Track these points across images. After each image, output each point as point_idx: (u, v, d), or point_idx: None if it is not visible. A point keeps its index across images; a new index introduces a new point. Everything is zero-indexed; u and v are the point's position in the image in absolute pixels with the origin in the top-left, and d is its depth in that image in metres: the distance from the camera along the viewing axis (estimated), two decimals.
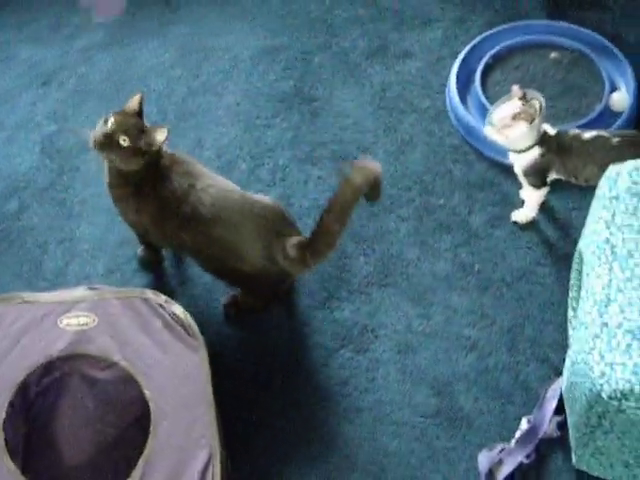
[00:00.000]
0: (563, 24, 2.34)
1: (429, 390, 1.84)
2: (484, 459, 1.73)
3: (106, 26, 2.59)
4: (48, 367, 1.74)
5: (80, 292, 1.73)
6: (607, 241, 1.52)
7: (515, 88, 1.88)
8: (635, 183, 1.57)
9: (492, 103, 2.16)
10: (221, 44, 2.49)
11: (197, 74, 2.43)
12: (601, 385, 1.40)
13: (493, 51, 2.28)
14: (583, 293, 1.56)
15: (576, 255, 1.80)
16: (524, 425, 1.75)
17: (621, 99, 2.16)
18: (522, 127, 1.84)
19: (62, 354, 1.64)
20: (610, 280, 1.48)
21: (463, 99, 2.23)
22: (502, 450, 1.73)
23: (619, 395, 1.38)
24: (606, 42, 2.27)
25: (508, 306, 1.93)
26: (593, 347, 1.43)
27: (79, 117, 2.38)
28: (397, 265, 2.01)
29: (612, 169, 1.65)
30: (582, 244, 1.69)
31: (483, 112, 2.17)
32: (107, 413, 1.79)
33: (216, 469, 1.54)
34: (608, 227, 1.54)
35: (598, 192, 1.66)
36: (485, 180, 2.12)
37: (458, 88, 2.23)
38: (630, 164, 1.62)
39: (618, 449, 1.53)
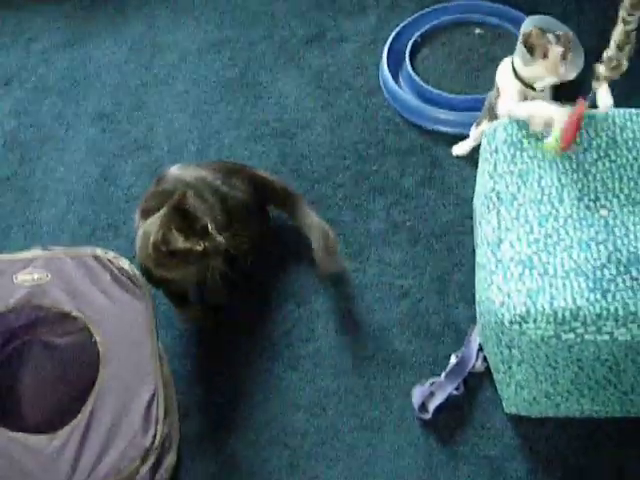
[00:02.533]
0: (486, 3, 2.51)
1: (366, 336, 1.96)
2: (417, 393, 1.85)
3: (63, 29, 2.75)
4: (9, 337, 1.87)
5: (35, 252, 1.86)
6: (492, 189, 1.66)
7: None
8: (509, 135, 1.71)
9: (422, 78, 2.34)
10: (170, 40, 2.66)
11: (148, 68, 2.59)
12: (502, 314, 1.52)
13: (421, 30, 2.45)
14: (478, 241, 1.69)
15: (474, 212, 1.94)
16: (453, 361, 1.88)
17: None
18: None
19: (17, 306, 1.77)
20: (499, 222, 1.61)
21: (395, 76, 2.39)
22: (433, 383, 1.85)
23: (518, 319, 1.50)
24: (525, 17, 2.43)
25: (438, 256, 2.06)
26: (491, 282, 1.56)
27: (39, 112, 2.53)
28: (334, 227, 2.13)
29: (490, 126, 1.79)
30: (475, 200, 1.83)
31: (413, 86, 2.34)
32: (66, 375, 1.90)
33: (160, 402, 1.67)
34: (492, 177, 1.68)
35: (481, 151, 1.80)
36: (415, 146, 2.27)
37: (390, 65, 2.39)
38: (505, 119, 1.77)
39: (535, 379, 1.65)
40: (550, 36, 1.74)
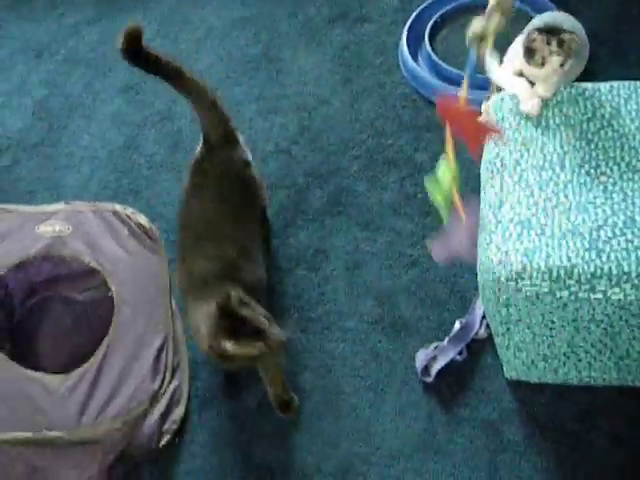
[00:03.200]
0: None
1: (373, 301, 2.02)
2: (420, 356, 1.90)
3: (94, 3, 2.84)
4: (30, 292, 1.95)
5: (58, 205, 1.94)
6: (497, 156, 1.71)
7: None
8: (516, 104, 1.75)
9: (440, 57, 2.39)
10: (197, 16, 2.73)
11: (175, 43, 2.67)
12: (500, 271, 1.57)
13: (441, 11, 2.50)
14: (482, 205, 1.73)
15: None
16: (457, 326, 1.92)
17: None
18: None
19: (38, 255, 1.85)
20: (501, 186, 1.66)
21: (414, 56, 2.44)
22: (436, 347, 1.90)
23: (515, 276, 1.55)
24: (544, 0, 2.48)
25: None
26: (490, 242, 1.61)
27: (68, 83, 2.62)
28: (348, 197, 2.20)
29: (496, 96, 1.84)
30: (481, 167, 1.86)
31: (432, 65, 2.39)
32: (83, 326, 1.98)
33: (170, 351, 1.74)
34: (497, 145, 1.72)
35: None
36: (431, 123, 2.31)
37: (409, 45, 2.45)
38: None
39: (532, 340, 1.69)
40: (554, 44, 1.69)
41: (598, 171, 1.58)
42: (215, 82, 2.51)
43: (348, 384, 1.90)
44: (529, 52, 1.71)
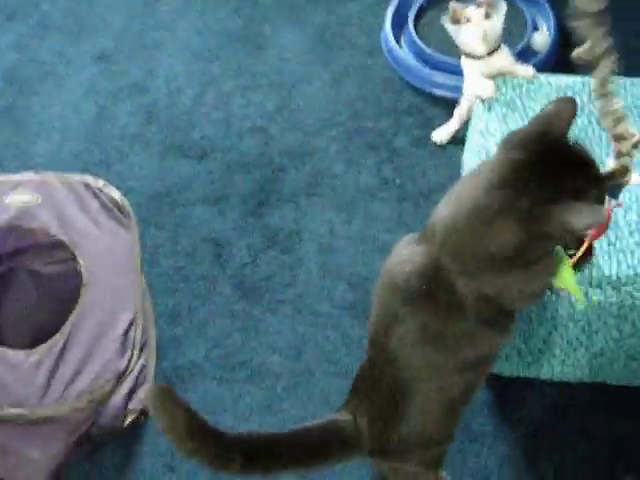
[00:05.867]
0: None
1: (346, 286, 1.99)
2: None
3: None
4: None
5: (27, 175, 1.88)
6: (483, 147, 1.68)
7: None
8: (503, 94, 1.74)
9: (424, 42, 2.35)
10: None
11: (153, 12, 2.60)
12: None
13: None
14: None
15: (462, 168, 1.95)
16: None
17: (542, 39, 2.33)
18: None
19: (5, 226, 1.78)
20: None
21: (398, 38, 2.40)
22: None
23: None
24: None
25: (424, 215, 2.03)
26: None
27: (40, 49, 2.54)
28: (325, 178, 2.17)
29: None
30: (465, 156, 1.85)
31: (415, 49, 2.36)
32: (49, 301, 1.92)
33: (138, 329, 1.69)
34: (483, 135, 1.70)
35: (474, 108, 1.82)
36: (411, 107, 2.29)
37: (393, 28, 2.41)
38: (499, 79, 1.80)
39: None
40: (471, 6, 1.82)
41: None
42: (192, 55, 2.47)
43: (318, 369, 1.88)
44: (455, 22, 1.83)
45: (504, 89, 1.71)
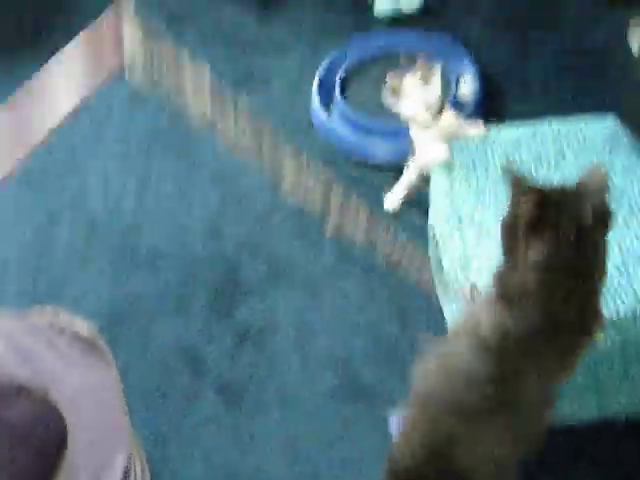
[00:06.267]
0: (406, 31, 2.57)
1: (332, 372, 1.93)
2: (395, 420, 1.81)
3: None
4: None
5: None
6: (453, 211, 1.67)
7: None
8: (461, 155, 1.73)
9: (355, 111, 2.35)
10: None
11: (77, 125, 2.53)
12: None
13: (347, 64, 2.47)
14: (444, 261, 1.68)
15: (429, 232, 1.95)
16: None
17: (468, 88, 2.36)
18: None
19: None
20: (464, 241, 1.62)
21: (327, 112, 2.40)
22: None
23: None
24: (447, 41, 2.50)
25: (394, 284, 2.05)
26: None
27: None
28: (285, 264, 2.12)
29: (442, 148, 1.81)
30: (432, 219, 1.83)
31: (346, 119, 2.36)
32: (20, 453, 1.79)
33: (137, 467, 1.59)
34: (449, 199, 1.69)
35: (435, 171, 1.82)
36: (356, 179, 2.26)
37: (321, 102, 2.40)
38: (456, 144, 1.79)
39: None
40: (408, 74, 1.85)
41: None
42: (123, 162, 2.41)
43: (322, 463, 1.80)
44: (394, 95, 1.86)
45: (460, 151, 1.71)
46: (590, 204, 1.21)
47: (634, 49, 2.47)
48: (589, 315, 1.29)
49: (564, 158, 1.64)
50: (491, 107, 2.38)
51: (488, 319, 1.26)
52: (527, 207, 1.21)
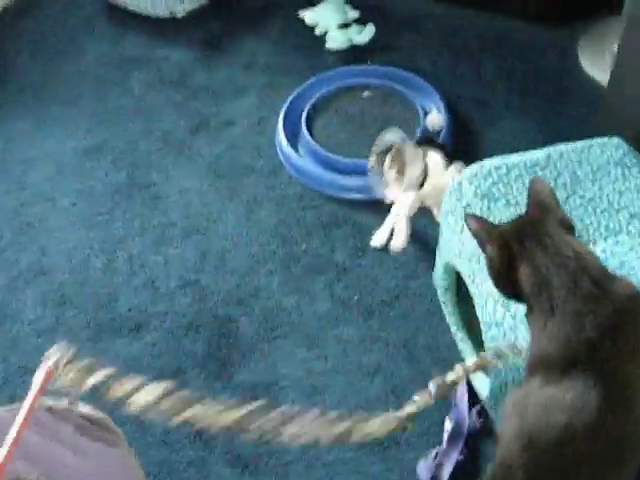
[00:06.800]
0: (367, 66, 2.53)
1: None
2: (423, 469, 1.75)
3: None
4: None
5: None
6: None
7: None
8: (477, 187, 1.67)
9: (323, 147, 2.29)
10: (41, 152, 2.44)
11: (23, 186, 2.35)
12: None
13: (311, 101, 2.40)
14: (477, 298, 1.62)
15: (440, 272, 1.88)
16: (448, 425, 1.80)
17: (436, 119, 2.34)
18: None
19: None
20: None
21: (295, 150, 2.33)
22: (437, 454, 1.76)
23: None
24: (408, 74, 2.47)
25: (396, 324, 1.99)
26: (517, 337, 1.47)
27: None
28: (280, 316, 2.01)
29: (452, 182, 1.75)
30: (451, 258, 1.76)
31: (316, 157, 2.29)
32: None
33: None
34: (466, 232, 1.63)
35: (446, 207, 1.75)
36: (337, 218, 2.19)
37: (287, 141, 2.33)
38: (466, 171, 1.73)
39: None
40: (387, 160, 1.90)
41: (582, 240, 1.54)
42: (85, 222, 2.25)
43: None
44: (375, 170, 1.96)
45: (477, 182, 1.65)
46: (552, 218, 1.25)
47: (587, 70, 2.52)
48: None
49: (580, 182, 1.62)
50: (461, 135, 2.37)
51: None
52: (496, 253, 1.25)
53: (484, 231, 1.28)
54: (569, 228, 1.27)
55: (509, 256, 1.24)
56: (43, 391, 1.18)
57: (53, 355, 1.24)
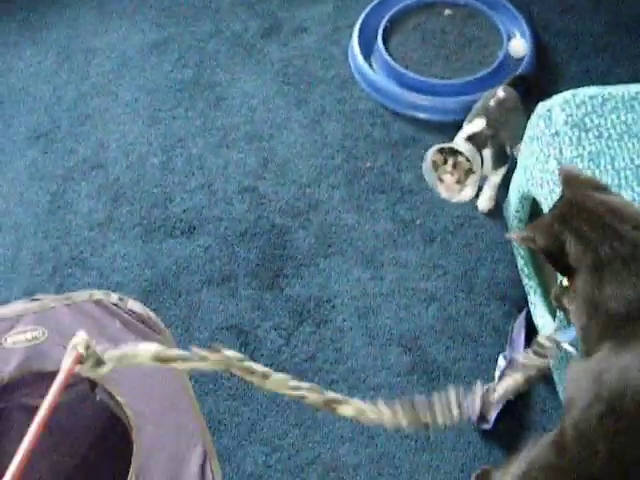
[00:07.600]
0: None
1: (399, 348, 1.78)
2: (472, 403, 1.69)
3: None
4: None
5: (21, 305, 1.54)
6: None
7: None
8: (569, 115, 1.56)
9: (398, 64, 2.18)
10: (104, 43, 2.36)
11: (85, 76, 2.29)
12: None
13: (389, 15, 2.28)
14: None
15: (516, 202, 1.79)
16: (501, 362, 1.73)
17: (519, 45, 2.21)
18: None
19: (15, 376, 1.45)
20: None
21: (368, 64, 2.21)
22: (487, 390, 1.69)
23: None
24: None
25: (457, 253, 1.91)
26: None
27: None
28: (338, 232, 1.95)
29: (541, 107, 1.64)
30: (529, 187, 1.67)
31: (390, 73, 2.18)
32: (61, 441, 1.61)
33: (214, 464, 1.42)
34: (560, 162, 1.52)
35: (531, 133, 1.64)
36: (406, 137, 2.10)
37: (362, 54, 2.21)
38: (558, 98, 1.61)
39: None
40: (449, 164, 1.84)
41: None
42: (146, 117, 2.19)
43: (397, 448, 1.66)
44: (433, 165, 1.88)
45: (569, 110, 1.53)
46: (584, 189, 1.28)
47: None
48: None
49: None
50: (544, 63, 2.23)
51: None
52: (544, 242, 1.27)
53: (528, 238, 1.31)
54: (604, 189, 1.29)
55: (555, 238, 1.25)
56: (68, 380, 1.15)
57: (80, 341, 1.20)
